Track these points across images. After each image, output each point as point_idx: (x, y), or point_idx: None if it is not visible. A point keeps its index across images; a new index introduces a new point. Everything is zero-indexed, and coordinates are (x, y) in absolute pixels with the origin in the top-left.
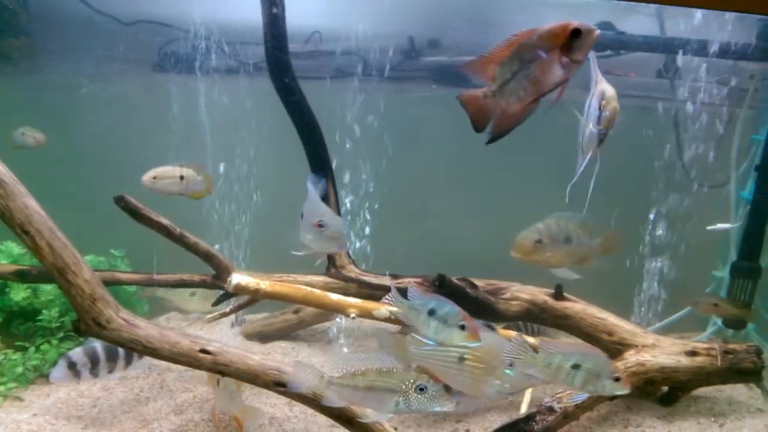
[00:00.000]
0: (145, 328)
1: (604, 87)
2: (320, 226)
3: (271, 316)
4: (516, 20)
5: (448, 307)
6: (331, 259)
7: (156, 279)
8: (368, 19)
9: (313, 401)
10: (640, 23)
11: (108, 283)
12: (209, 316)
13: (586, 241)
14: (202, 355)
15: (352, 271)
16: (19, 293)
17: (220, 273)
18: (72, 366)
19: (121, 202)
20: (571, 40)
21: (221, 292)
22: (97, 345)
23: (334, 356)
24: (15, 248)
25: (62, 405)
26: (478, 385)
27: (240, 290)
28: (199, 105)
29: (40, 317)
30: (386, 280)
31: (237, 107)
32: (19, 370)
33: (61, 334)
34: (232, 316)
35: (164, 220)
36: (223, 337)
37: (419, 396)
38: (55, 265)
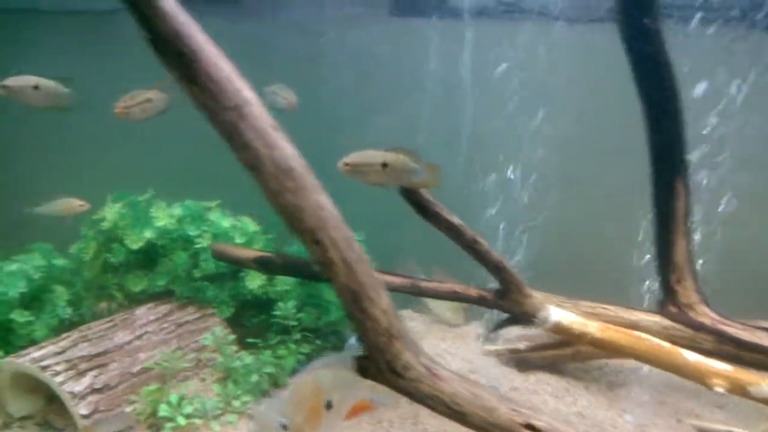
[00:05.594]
0: (450, 381)
1: None
2: None
3: (535, 337)
4: None
5: None
6: (670, 290)
7: (422, 287)
8: None
9: None
10: None
11: None
12: (490, 348)
13: None
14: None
15: (706, 315)
16: (255, 281)
17: (508, 291)
18: None
19: (410, 195)
20: None
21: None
22: None
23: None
24: (250, 225)
25: None
26: None
27: (559, 331)
28: (460, 56)
29: (276, 311)
30: (766, 338)
31: (504, 59)
32: (254, 378)
33: (298, 335)
34: (481, 329)
35: (456, 220)
36: (469, 353)
37: None
38: (349, 286)
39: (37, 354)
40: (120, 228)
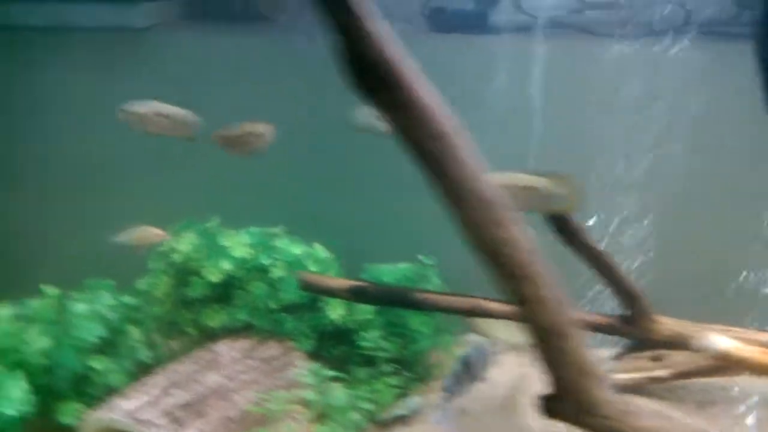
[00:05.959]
0: (644, 417)
1: None
2: None
3: (619, 360)
4: None
5: None
6: None
7: None
8: None
9: None
10: None
11: (473, 313)
12: (621, 376)
13: None
14: None
15: None
16: (336, 310)
17: (637, 317)
18: None
19: (560, 223)
20: None
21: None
22: None
23: None
24: (322, 252)
25: None
26: None
27: (718, 358)
28: (527, 74)
29: (359, 341)
30: None
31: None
32: (353, 416)
33: (386, 367)
34: None
35: (599, 247)
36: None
37: None
38: (543, 323)
39: (128, 405)
40: (194, 260)
